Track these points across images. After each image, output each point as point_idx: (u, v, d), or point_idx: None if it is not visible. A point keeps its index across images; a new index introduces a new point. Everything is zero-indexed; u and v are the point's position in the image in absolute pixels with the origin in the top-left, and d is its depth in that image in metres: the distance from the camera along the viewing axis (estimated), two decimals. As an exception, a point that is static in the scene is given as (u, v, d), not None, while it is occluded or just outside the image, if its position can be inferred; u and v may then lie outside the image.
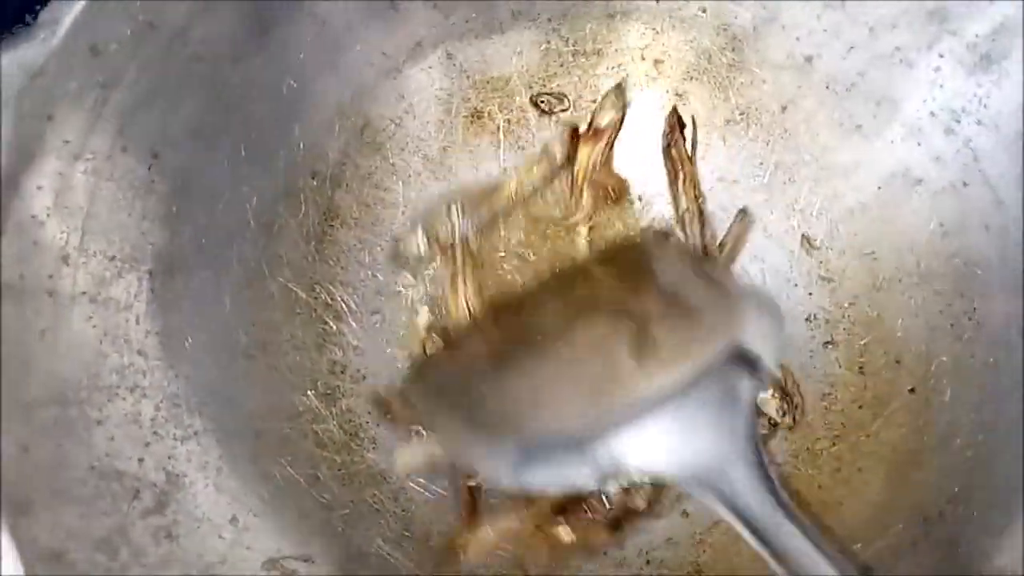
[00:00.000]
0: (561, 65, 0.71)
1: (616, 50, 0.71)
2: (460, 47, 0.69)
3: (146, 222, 0.57)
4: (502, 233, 0.71)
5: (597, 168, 0.71)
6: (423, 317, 0.70)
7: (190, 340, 0.60)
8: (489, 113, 0.71)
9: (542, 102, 0.71)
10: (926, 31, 0.63)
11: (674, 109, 0.71)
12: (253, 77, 0.62)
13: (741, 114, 0.70)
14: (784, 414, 0.66)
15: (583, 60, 0.71)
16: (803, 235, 0.69)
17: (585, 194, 0.71)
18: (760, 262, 0.70)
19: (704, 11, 0.68)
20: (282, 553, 0.60)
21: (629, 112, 0.71)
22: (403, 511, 0.66)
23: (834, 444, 0.66)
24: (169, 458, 0.57)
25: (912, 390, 0.64)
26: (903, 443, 0.63)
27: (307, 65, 0.64)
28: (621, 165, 0.72)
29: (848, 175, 0.68)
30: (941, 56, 0.63)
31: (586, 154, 0.71)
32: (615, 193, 0.71)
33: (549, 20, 0.69)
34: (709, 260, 0.70)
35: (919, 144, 0.65)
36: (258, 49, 0.61)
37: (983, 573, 0.55)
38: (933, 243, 0.64)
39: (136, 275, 0.57)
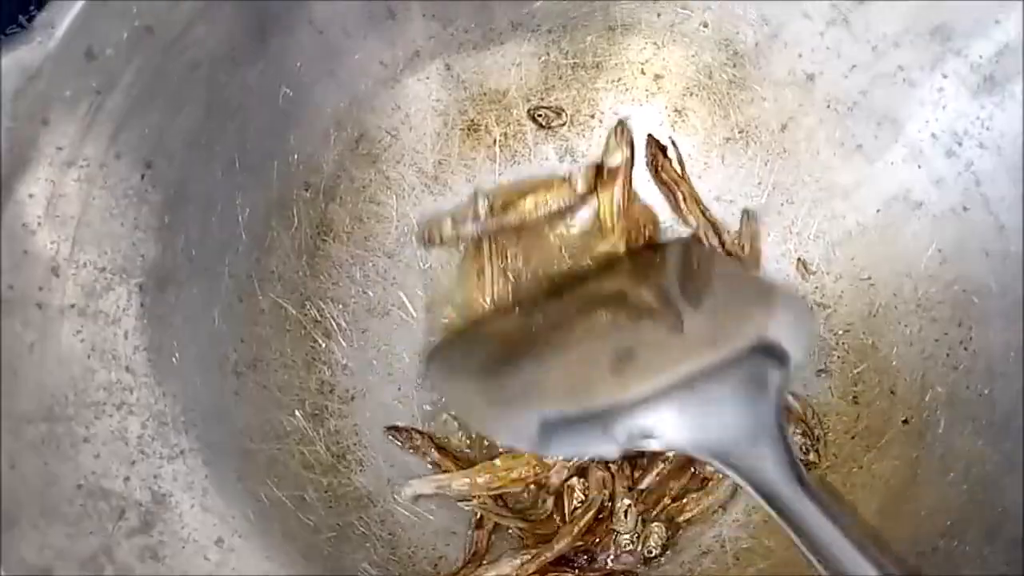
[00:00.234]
0: (560, 78, 0.70)
1: (616, 64, 0.70)
2: (458, 58, 0.68)
3: (138, 232, 0.56)
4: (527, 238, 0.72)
5: (623, 208, 0.71)
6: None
7: (178, 356, 0.59)
8: (486, 126, 0.71)
9: (540, 116, 0.71)
10: (929, 50, 0.62)
11: (649, 136, 0.71)
12: (250, 85, 0.61)
13: (740, 132, 0.70)
14: (807, 451, 0.66)
15: (582, 73, 0.70)
16: (799, 259, 0.69)
17: (617, 230, 0.71)
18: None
19: (706, 26, 0.67)
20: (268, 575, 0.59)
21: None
22: (389, 535, 0.66)
23: (825, 475, 0.66)
24: (155, 477, 0.57)
25: (906, 421, 0.64)
26: (896, 475, 0.63)
27: (304, 73, 0.63)
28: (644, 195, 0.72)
29: (847, 196, 0.67)
30: (944, 76, 0.62)
31: (608, 198, 0.71)
32: (648, 229, 0.72)
33: (549, 32, 0.68)
34: (740, 261, 0.70)
35: (920, 166, 0.64)
36: (255, 56, 0.60)
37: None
38: (931, 269, 0.64)
39: (126, 288, 0.56)
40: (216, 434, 0.60)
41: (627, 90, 0.71)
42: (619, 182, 0.70)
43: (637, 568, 0.66)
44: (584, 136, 0.71)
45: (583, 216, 0.72)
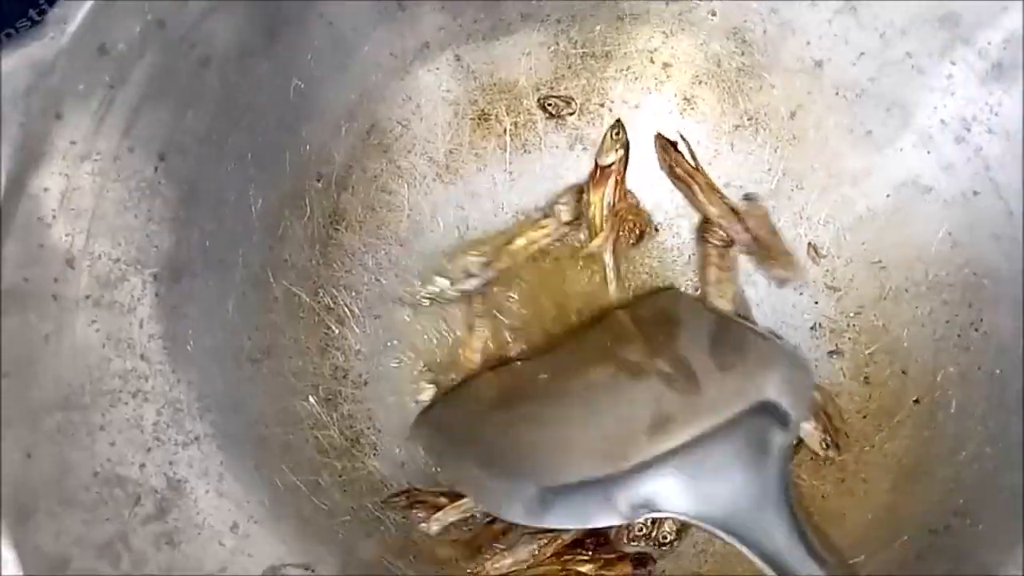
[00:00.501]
0: (569, 67, 0.71)
1: (625, 53, 0.70)
2: (468, 49, 0.69)
3: (152, 224, 0.57)
4: (518, 281, 0.72)
5: (613, 206, 0.71)
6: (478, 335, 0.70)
7: (192, 344, 0.59)
8: (496, 116, 0.71)
9: (550, 105, 0.71)
10: (937, 37, 0.62)
11: (658, 135, 0.71)
12: (261, 78, 0.61)
13: (750, 119, 0.70)
14: (827, 447, 0.66)
15: (592, 63, 0.71)
16: (809, 243, 0.69)
17: (606, 228, 0.71)
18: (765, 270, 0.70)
19: (714, 14, 0.68)
20: (283, 560, 0.59)
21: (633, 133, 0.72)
22: (404, 519, 0.66)
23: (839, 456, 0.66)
24: (171, 464, 0.57)
25: (917, 401, 0.64)
26: (908, 455, 0.63)
27: (315, 66, 0.64)
28: (637, 190, 0.73)
29: (857, 182, 0.68)
30: (953, 63, 0.62)
31: (599, 196, 0.71)
32: (638, 229, 0.71)
33: (558, 22, 0.69)
34: (768, 251, 0.70)
35: (929, 152, 0.64)
36: (266, 49, 0.60)
37: (990, 587, 0.55)
38: (942, 253, 0.64)
39: (140, 278, 0.57)
40: (231, 421, 0.61)
41: (636, 79, 0.71)
42: (611, 181, 0.71)
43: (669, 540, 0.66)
44: (594, 125, 0.72)
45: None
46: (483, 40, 0.69)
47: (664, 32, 0.69)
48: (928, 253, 0.65)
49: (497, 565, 0.64)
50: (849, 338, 0.68)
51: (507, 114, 0.71)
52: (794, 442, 0.62)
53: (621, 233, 0.71)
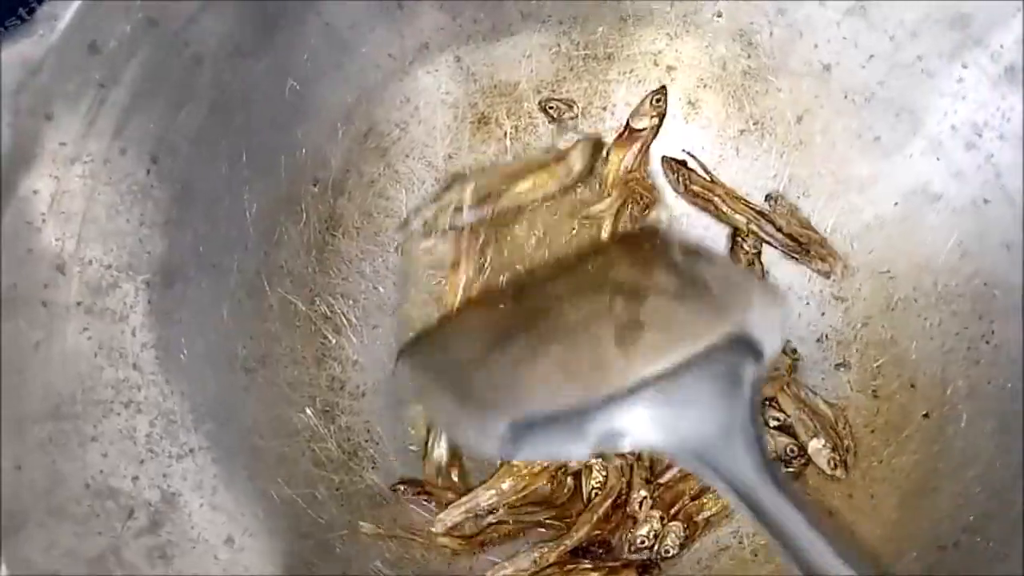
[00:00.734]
0: (571, 70, 0.70)
1: (628, 55, 0.70)
2: (468, 50, 0.68)
3: (144, 228, 0.56)
4: (516, 222, 0.70)
5: (629, 171, 0.70)
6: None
7: (186, 353, 0.59)
8: (496, 119, 0.70)
9: (551, 108, 0.70)
10: (949, 40, 0.61)
11: (664, 157, 0.70)
12: (256, 78, 0.60)
13: (755, 124, 0.69)
14: (835, 466, 0.65)
15: (594, 65, 0.70)
16: (817, 250, 0.68)
17: (614, 194, 0.70)
18: (770, 279, 0.70)
19: (720, 16, 0.67)
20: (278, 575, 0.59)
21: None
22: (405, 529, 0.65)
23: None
24: (164, 476, 0.56)
25: (926, 415, 0.63)
26: (917, 470, 0.62)
27: (311, 66, 0.63)
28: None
29: (865, 189, 0.67)
30: (964, 66, 0.61)
31: (618, 157, 0.70)
32: (646, 201, 0.70)
33: (560, 23, 0.68)
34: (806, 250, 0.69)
35: (939, 159, 0.63)
36: (261, 49, 0.60)
37: (1000, 605, 0.54)
38: (951, 262, 0.63)
39: (133, 285, 0.56)
40: (225, 432, 0.60)
41: (640, 82, 0.70)
42: (636, 147, 0.70)
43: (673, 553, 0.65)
44: (596, 128, 0.71)
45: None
46: (483, 41, 0.68)
47: (668, 34, 0.69)
48: (937, 262, 0.64)
49: (499, 575, 0.64)
50: (856, 350, 0.67)
51: (507, 117, 0.70)
52: (764, 376, 0.61)
53: (628, 202, 0.70)
